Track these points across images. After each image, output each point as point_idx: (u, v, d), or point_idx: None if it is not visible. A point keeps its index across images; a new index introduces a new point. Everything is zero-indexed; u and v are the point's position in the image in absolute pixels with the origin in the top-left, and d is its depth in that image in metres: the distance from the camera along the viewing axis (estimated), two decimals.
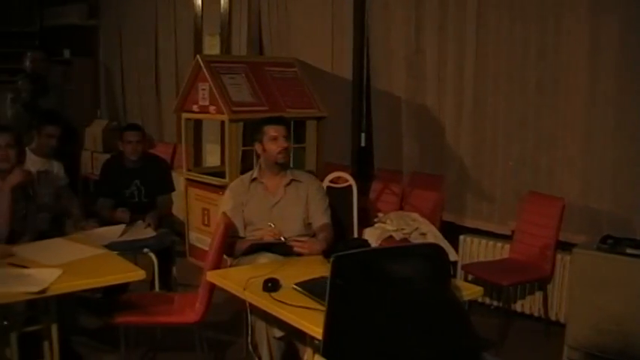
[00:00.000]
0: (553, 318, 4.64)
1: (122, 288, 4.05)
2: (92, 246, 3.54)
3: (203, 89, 5.41)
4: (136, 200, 4.82)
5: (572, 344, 4.02)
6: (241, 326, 3.78)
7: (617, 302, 3.80)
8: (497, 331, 4.47)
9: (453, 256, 4.75)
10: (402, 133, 5.64)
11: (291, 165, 4.24)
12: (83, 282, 3.06)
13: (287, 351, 3.43)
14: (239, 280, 3.01)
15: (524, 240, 4.67)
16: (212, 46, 7.24)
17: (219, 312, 4.13)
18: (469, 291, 3.10)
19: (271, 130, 3.77)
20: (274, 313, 2.76)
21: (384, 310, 2.20)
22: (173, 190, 5.05)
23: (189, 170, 5.78)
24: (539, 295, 4.72)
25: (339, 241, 3.63)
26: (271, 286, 2.85)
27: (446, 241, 4.84)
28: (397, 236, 5.03)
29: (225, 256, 3.73)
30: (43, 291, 2.84)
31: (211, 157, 6.99)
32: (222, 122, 5.53)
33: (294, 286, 2.85)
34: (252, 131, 4.29)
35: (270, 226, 3.68)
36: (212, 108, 5.32)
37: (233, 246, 3.69)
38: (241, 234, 3.76)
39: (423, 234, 5.02)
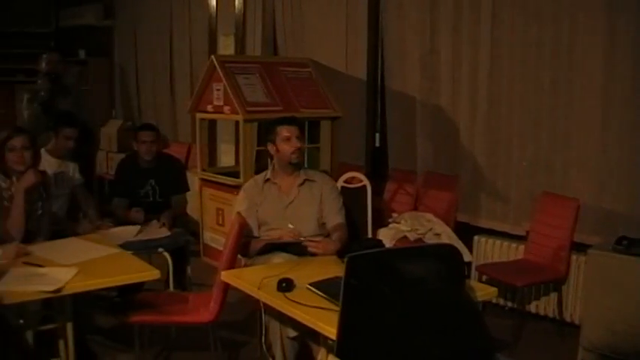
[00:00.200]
0: (568, 319, 4.63)
1: (137, 287, 4.04)
2: (107, 245, 3.57)
3: (217, 89, 5.42)
4: (151, 200, 4.84)
5: (586, 346, 4.00)
6: (255, 326, 3.79)
7: (632, 304, 3.77)
8: (512, 332, 4.45)
9: (467, 256, 4.73)
10: (417, 133, 5.63)
11: (306, 165, 4.24)
12: (98, 281, 3.08)
13: (301, 351, 3.42)
14: (253, 279, 3.01)
15: (539, 241, 4.65)
16: (226, 46, 7.26)
17: (233, 312, 4.14)
18: (483, 292, 3.10)
19: (284, 131, 3.77)
20: (288, 313, 2.76)
21: (398, 310, 2.19)
22: (187, 190, 5.06)
23: (203, 170, 5.79)
24: (553, 296, 4.70)
25: (354, 241, 3.64)
26: (285, 286, 2.86)
27: (460, 242, 4.82)
28: (411, 237, 5.01)
29: (239, 256, 3.74)
30: (59, 290, 2.87)
31: (226, 157, 7.02)
32: (237, 122, 5.55)
33: (309, 286, 2.85)
34: (265, 131, 4.30)
35: (290, 226, 3.68)
36: (226, 108, 5.33)
37: (247, 246, 3.69)
38: (255, 234, 3.76)
39: (438, 234, 5.00)
